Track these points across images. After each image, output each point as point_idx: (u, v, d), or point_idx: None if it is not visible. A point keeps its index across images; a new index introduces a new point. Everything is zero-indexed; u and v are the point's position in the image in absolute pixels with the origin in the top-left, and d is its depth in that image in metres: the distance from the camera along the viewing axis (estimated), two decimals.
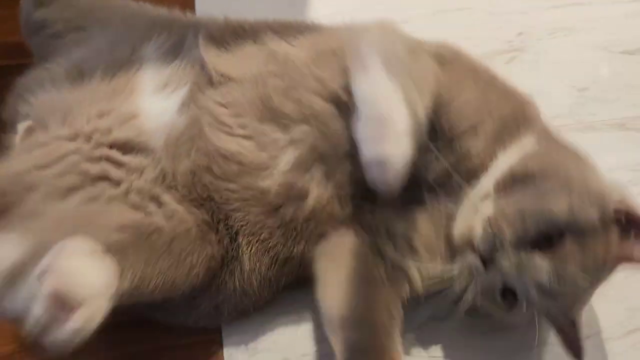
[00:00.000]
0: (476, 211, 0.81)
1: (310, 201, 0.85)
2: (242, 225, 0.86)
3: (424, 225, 0.86)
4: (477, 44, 1.28)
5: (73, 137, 0.86)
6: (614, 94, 1.33)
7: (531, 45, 1.38)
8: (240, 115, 0.87)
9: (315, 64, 0.88)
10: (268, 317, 0.95)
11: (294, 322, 0.96)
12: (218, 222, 0.86)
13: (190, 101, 0.89)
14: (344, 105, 0.84)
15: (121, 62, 0.94)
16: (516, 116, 0.86)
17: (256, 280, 0.88)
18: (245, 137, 0.86)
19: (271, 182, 0.85)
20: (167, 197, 0.85)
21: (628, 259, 0.79)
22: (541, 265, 0.75)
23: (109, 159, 0.85)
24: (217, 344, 0.94)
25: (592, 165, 0.87)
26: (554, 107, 1.23)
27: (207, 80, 0.91)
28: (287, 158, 0.85)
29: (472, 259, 0.79)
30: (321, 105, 0.86)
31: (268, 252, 0.87)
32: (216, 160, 0.85)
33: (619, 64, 1.38)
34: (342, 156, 0.85)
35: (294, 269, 0.89)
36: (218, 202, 0.86)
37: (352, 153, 0.81)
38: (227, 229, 0.87)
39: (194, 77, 0.92)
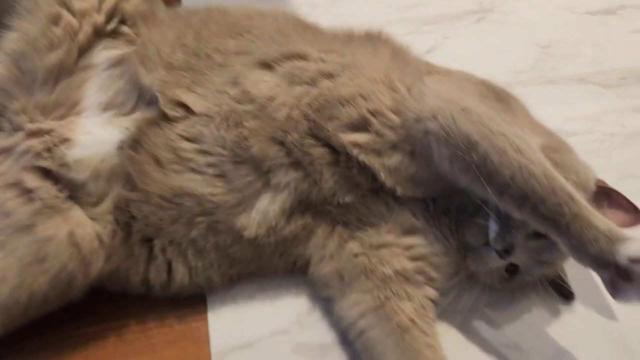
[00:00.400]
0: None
1: (287, 233, 0.86)
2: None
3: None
4: (450, 4, 1.35)
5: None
6: (575, 52, 1.38)
7: (499, 6, 1.43)
8: (209, 154, 0.84)
9: (319, 113, 0.84)
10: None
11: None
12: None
13: (135, 134, 0.84)
14: (344, 156, 0.83)
15: (65, 67, 0.86)
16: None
17: None
18: (215, 176, 0.84)
19: (247, 221, 0.84)
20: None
21: None
22: (544, 246, 0.84)
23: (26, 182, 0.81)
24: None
25: (571, 148, 0.93)
26: (519, 62, 1.29)
27: (160, 113, 0.85)
28: (266, 201, 0.84)
29: (490, 254, 0.85)
30: (319, 152, 0.83)
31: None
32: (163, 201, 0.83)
33: (581, 24, 1.44)
34: (329, 198, 0.85)
35: None
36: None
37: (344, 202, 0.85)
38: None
39: (142, 107, 0.87)
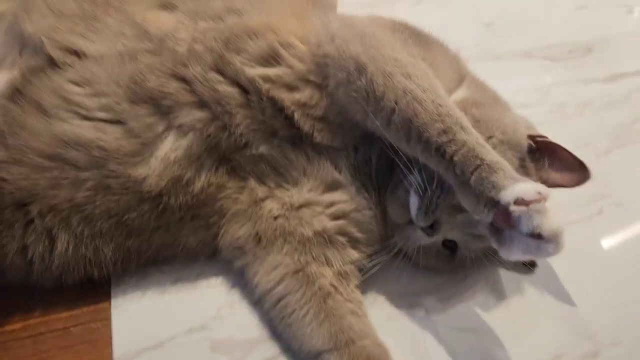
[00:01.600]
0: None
1: (196, 189, 0.75)
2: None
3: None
4: None
5: None
6: (519, 28, 1.33)
7: None
8: (102, 95, 0.73)
9: (225, 45, 0.75)
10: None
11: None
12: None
13: (15, 82, 0.74)
14: (254, 95, 0.74)
15: None
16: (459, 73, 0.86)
17: None
18: (108, 121, 0.73)
19: (146, 171, 0.73)
20: None
21: (545, 183, 0.74)
22: (472, 218, 0.73)
23: None
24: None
25: (506, 106, 0.86)
26: (462, 40, 1.21)
27: (46, 60, 0.76)
28: (168, 146, 0.73)
29: (416, 232, 0.77)
30: (226, 90, 0.74)
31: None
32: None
33: (523, 2, 1.40)
34: (241, 146, 0.76)
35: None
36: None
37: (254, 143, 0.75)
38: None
39: (23, 56, 0.77)
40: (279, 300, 0.76)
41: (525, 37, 1.30)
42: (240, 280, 0.82)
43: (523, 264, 0.88)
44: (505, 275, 0.88)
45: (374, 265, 0.79)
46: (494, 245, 0.66)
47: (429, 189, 0.72)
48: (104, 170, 0.72)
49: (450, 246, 0.80)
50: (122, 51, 0.76)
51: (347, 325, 0.73)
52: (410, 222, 0.76)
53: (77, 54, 0.76)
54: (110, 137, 0.73)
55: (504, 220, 0.63)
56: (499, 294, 0.86)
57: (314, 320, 0.74)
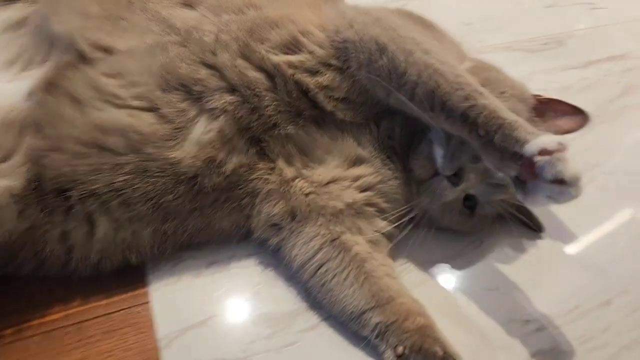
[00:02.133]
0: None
1: (229, 170, 0.79)
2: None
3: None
4: None
5: None
6: (497, 26, 1.43)
7: None
8: (135, 85, 0.77)
9: (249, 35, 0.80)
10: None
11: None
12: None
13: (50, 76, 0.78)
14: (280, 79, 0.79)
15: None
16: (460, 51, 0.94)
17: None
18: (142, 108, 0.76)
19: (181, 153, 0.76)
20: None
21: (558, 132, 0.84)
22: None
23: None
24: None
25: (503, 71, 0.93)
26: None
27: (77, 55, 0.79)
28: (201, 129, 0.77)
29: (442, 183, 0.82)
30: (254, 75, 0.78)
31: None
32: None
33: (497, 3, 1.52)
34: (270, 127, 0.80)
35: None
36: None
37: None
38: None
39: (56, 54, 0.81)
40: (319, 267, 0.79)
41: (503, 33, 1.40)
42: (273, 260, 0.85)
43: (532, 229, 0.94)
44: (520, 236, 0.93)
45: (401, 232, 0.84)
46: (520, 197, 0.71)
47: (453, 138, 0.78)
48: (142, 154, 0.75)
49: (470, 205, 0.85)
50: (152, 44, 0.79)
51: (386, 285, 0.77)
52: (436, 174, 0.82)
53: (106, 50, 0.80)
54: (145, 123, 0.76)
55: (528, 172, 0.68)
56: (516, 254, 0.92)
57: (354, 282, 0.77)
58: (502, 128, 0.70)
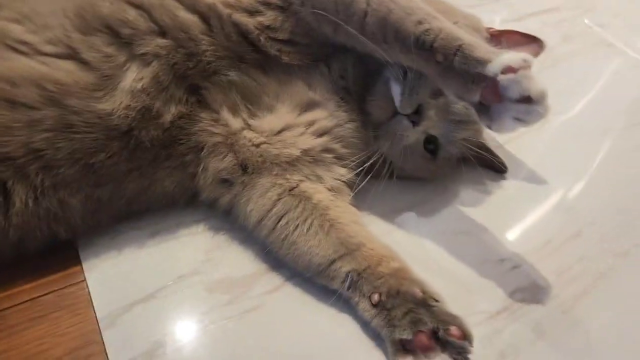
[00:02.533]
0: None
1: (167, 121, 0.70)
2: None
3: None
4: None
5: None
6: None
7: None
8: (47, 28, 0.67)
9: None
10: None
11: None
12: None
13: None
14: (216, 21, 0.71)
15: None
16: None
17: None
18: (58, 55, 0.67)
19: (111, 104, 0.67)
20: None
21: None
22: (453, 101, 0.77)
23: None
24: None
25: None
26: None
27: None
28: (132, 76, 0.68)
29: (402, 123, 0.76)
30: (186, 16, 0.70)
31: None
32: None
33: None
34: (209, 73, 0.72)
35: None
36: None
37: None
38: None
39: None
40: (279, 219, 0.72)
41: None
42: (225, 224, 0.77)
43: (495, 170, 0.90)
44: (484, 178, 0.90)
45: (362, 181, 0.78)
46: (485, 123, 0.67)
47: (409, 73, 0.73)
48: (63, 107, 0.65)
49: (431, 149, 0.80)
50: None
51: (354, 232, 0.71)
52: (394, 115, 0.76)
53: None
54: (63, 71, 0.66)
55: (492, 94, 0.63)
56: (482, 197, 0.88)
57: (319, 231, 0.70)
58: (461, 49, 0.65)
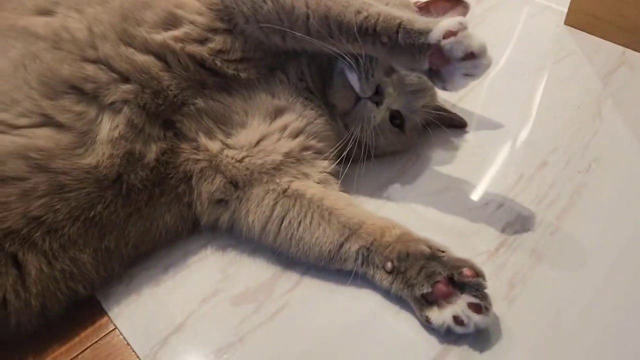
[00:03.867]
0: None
1: (152, 160, 0.73)
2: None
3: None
4: None
5: None
6: None
7: None
8: (16, 103, 0.69)
9: (123, 20, 0.75)
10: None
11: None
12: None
13: None
14: (171, 57, 0.75)
15: None
16: None
17: None
18: (33, 125, 0.69)
19: (94, 157, 0.69)
20: None
21: None
22: (406, 75, 0.86)
23: None
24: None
25: None
26: None
27: None
28: (107, 126, 0.71)
29: (366, 106, 0.82)
30: (143, 59, 0.73)
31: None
32: None
33: None
34: (178, 106, 0.76)
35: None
36: None
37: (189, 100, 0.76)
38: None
39: None
40: (281, 221, 0.76)
41: None
42: (230, 241, 0.80)
43: (456, 127, 0.98)
44: (449, 137, 0.97)
45: (344, 168, 0.83)
46: (439, 86, 0.73)
47: (360, 60, 0.78)
48: (50, 170, 0.67)
49: (398, 124, 0.87)
50: (18, 57, 0.72)
51: (352, 213, 0.76)
52: (357, 100, 0.82)
53: None
54: (42, 138, 0.68)
55: (438, 58, 0.70)
56: (451, 153, 0.95)
57: (321, 221, 0.75)
58: (401, 26, 0.71)
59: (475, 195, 0.88)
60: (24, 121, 0.69)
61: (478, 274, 0.68)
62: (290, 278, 0.76)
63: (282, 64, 0.83)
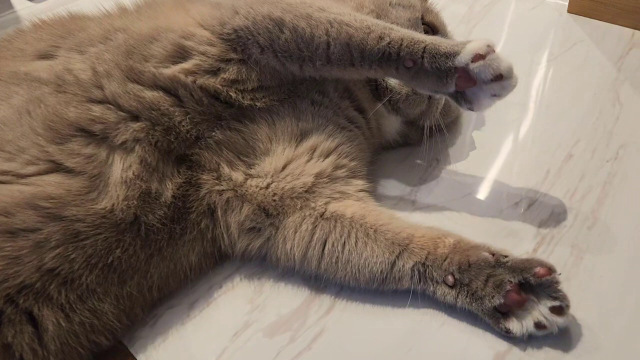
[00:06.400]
0: None
1: (169, 198, 0.69)
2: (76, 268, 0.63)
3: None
4: None
5: None
6: None
7: None
8: (22, 151, 0.65)
9: (128, 57, 0.72)
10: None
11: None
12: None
13: None
14: (183, 91, 0.71)
15: None
16: None
17: None
18: (41, 172, 0.65)
19: (109, 200, 0.66)
20: None
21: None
22: None
23: None
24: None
25: None
26: None
27: None
28: (119, 167, 0.67)
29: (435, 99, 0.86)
30: (152, 95, 0.70)
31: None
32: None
33: None
34: (193, 141, 0.72)
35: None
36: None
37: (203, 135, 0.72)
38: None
39: None
40: (324, 245, 0.71)
41: None
42: (255, 269, 0.77)
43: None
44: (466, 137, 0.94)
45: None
46: (464, 107, 0.70)
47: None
48: (63, 219, 0.63)
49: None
50: (22, 104, 0.68)
51: (398, 227, 0.72)
52: (429, 100, 0.85)
53: None
54: (52, 185, 0.64)
55: (465, 81, 0.67)
56: (471, 153, 0.92)
57: (367, 240, 0.71)
58: (426, 50, 0.68)
59: (504, 195, 0.84)
60: (31, 169, 0.65)
61: (551, 269, 0.64)
62: (324, 302, 0.72)
63: (302, 88, 0.79)
